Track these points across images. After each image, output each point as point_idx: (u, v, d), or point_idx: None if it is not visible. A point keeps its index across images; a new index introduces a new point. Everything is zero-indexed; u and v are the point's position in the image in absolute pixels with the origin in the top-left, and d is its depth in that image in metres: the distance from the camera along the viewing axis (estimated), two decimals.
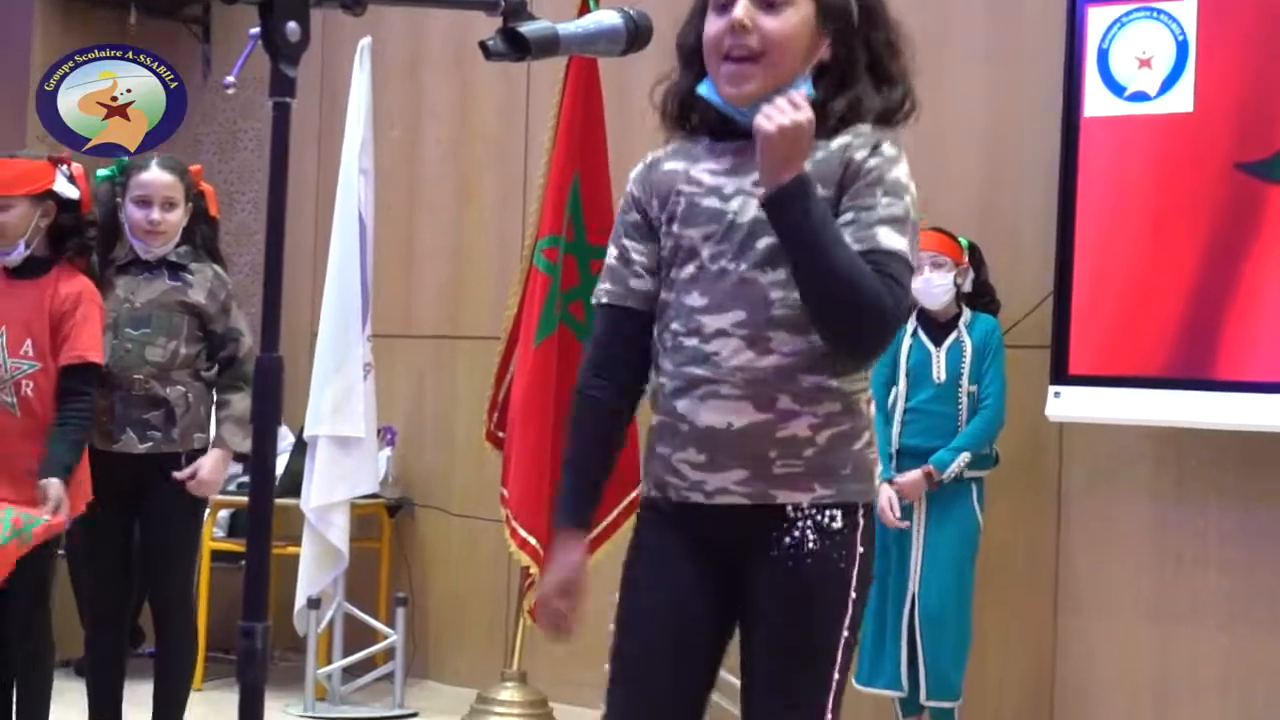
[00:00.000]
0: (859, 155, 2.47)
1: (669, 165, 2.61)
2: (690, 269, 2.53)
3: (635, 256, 2.61)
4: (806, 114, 2.37)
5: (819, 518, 2.48)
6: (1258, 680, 5.08)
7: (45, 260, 4.48)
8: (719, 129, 2.57)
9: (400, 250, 6.78)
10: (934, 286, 5.13)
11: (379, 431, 6.28)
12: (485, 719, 5.80)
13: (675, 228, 2.56)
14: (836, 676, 2.49)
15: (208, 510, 6.17)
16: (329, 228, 6.08)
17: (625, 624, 2.61)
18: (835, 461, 2.49)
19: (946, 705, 5.09)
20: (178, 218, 4.70)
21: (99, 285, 4.65)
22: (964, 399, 5.12)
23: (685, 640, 2.56)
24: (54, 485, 4.28)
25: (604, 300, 2.63)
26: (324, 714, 5.99)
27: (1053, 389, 5.15)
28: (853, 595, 2.50)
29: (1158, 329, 5.02)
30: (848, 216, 2.45)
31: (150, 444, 4.62)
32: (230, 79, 3.22)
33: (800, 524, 2.47)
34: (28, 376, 4.41)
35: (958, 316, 5.20)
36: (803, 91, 2.44)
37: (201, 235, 4.81)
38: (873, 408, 2.58)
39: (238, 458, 4.88)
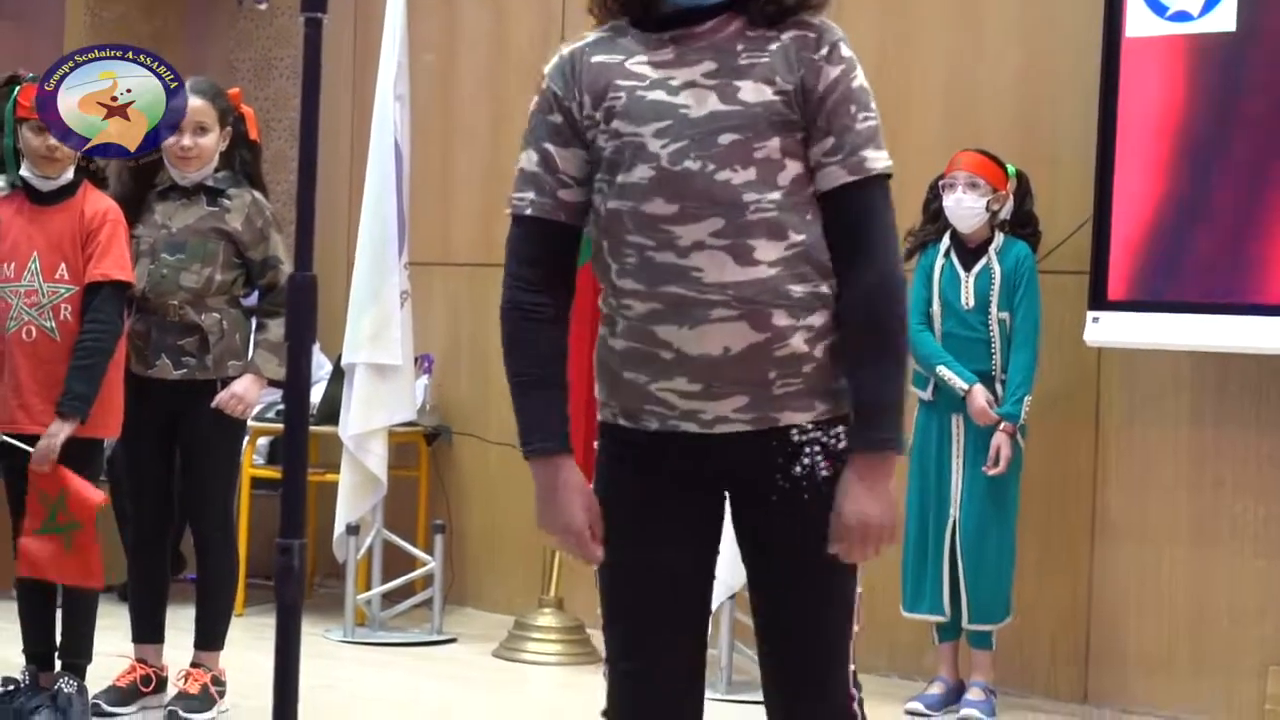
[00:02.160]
0: (817, 58, 2.37)
1: (597, 58, 2.41)
2: (645, 170, 2.34)
3: (560, 164, 2.42)
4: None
5: (825, 440, 2.39)
6: None
7: (71, 184, 4.50)
8: (646, 18, 2.41)
9: (436, 177, 6.76)
10: (963, 206, 5.09)
11: (416, 359, 6.29)
12: (523, 644, 5.84)
13: (617, 124, 2.37)
14: (858, 588, 2.46)
15: (247, 437, 6.21)
16: (365, 155, 6.06)
17: (617, 586, 2.47)
18: (832, 374, 2.38)
19: (987, 628, 5.10)
20: (211, 142, 4.68)
21: (139, 210, 4.67)
22: (994, 326, 5.09)
23: (681, 600, 2.47)
24: (48, 438, 4.33)
25: (529, 212, 2.43)
26: (363, 639, 6.03)
27: (1091, 314, 5.11)
28: None
29: (1197, 253, 4.98)
30: (830, 143, 2.36)
31: (184, 370, 4.64)
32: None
33: (809, 449, 2.38)
34: (65, 300, 4.43)
35: (989, 241, 5.16)
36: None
37: (241, 160, 4.80)
38: None
39: (273, 384, 4.89)
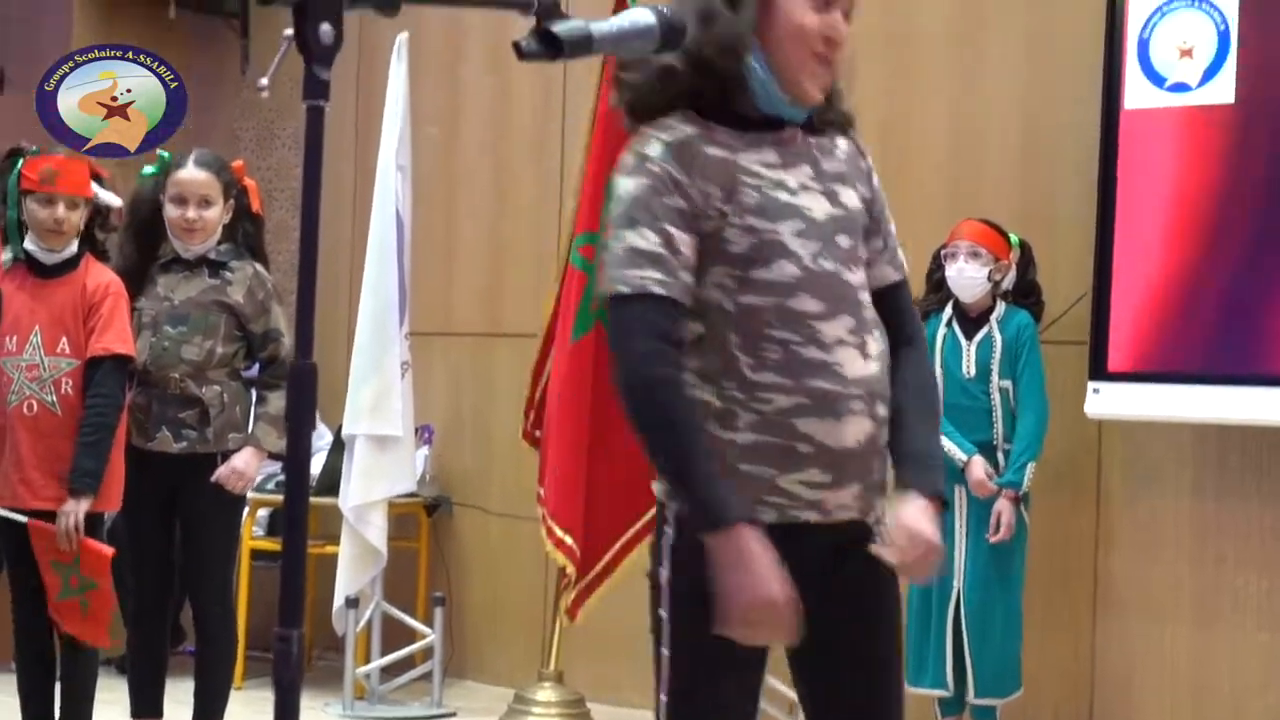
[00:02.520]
0: (865, 167, 2.60)
1: (712, 150, 2.43)
2: (791, 268, 2.41)
3: (682, 248, 2.39)
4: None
5: (879, 526, 2.50)
6: None
7: (74, 257, 4.51)
8: (726, 115, 2.46)
9: (438, 248, 6.77)
10: (965, 276, 5.10)
11: (417, 430, 6.29)
12: (523, 718, 5.80)
13: (751, 220, 2.41)
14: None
15: (246, 510, 6.18)
16: (367, 224, 6.08)
17: (709, 669, 2.42)
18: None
19: (994, 703, 5.06)
20: (215, 215, 4.69)
21: (141, 283, 4.69)
22: (995, 395, 5.08)
23: (752, 677, 2.50)
24: (65, 516, 4.33)
25: (659, 290, 2.37)
26: (362, 713, 5.99)
27: (1091, 385, 5.11)
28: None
29: (1199, 324, 4.98)
30: (879, 244, 2.58)
31: (185, 444, 4.63)
32: (264, 82, 3.20)
33: (875, 532, 2.49)
34: (66, 374, 4.44)
35: (991, 310, 5.16)
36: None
37: (244, 232, 4.81)
38: None
39: (274, 456, 4.88)
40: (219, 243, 4.74)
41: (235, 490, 4.66)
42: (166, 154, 4.80)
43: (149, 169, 4.78)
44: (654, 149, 2.42)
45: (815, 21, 2.46)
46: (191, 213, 4.65)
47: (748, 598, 2.31)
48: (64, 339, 4.45)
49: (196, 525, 4.68)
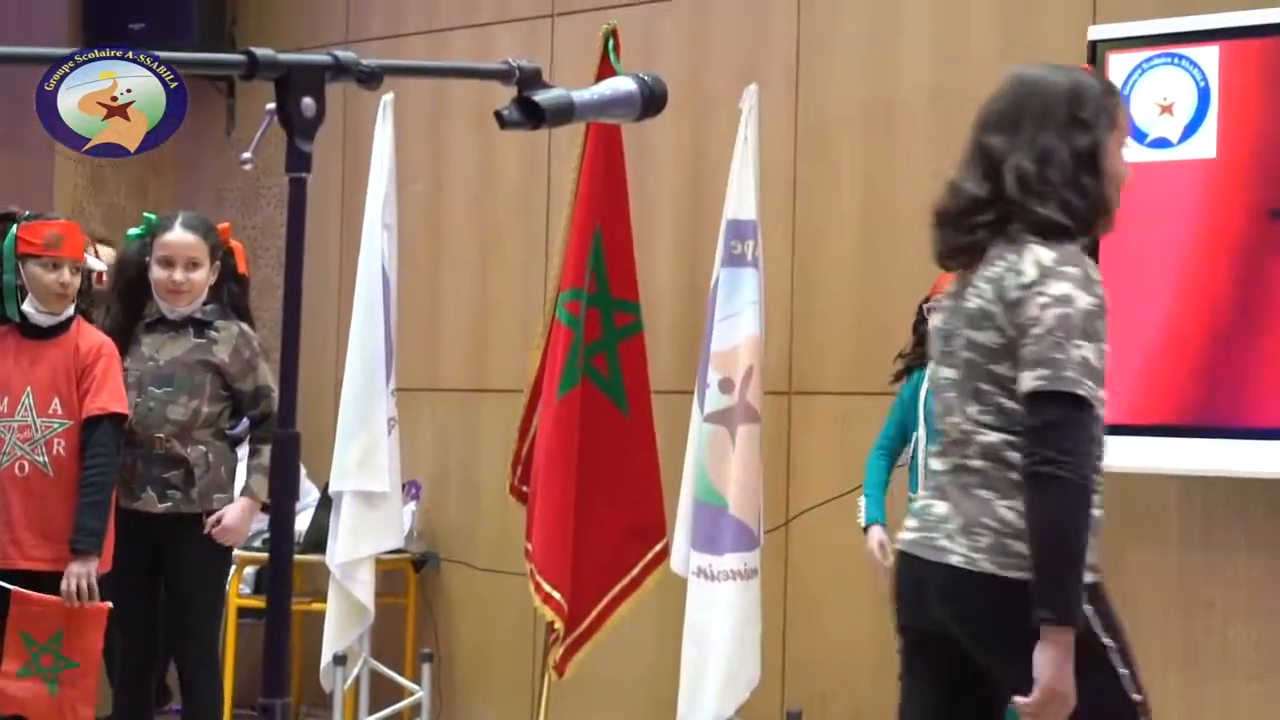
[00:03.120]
0: None
1: None
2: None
3: None
4: None
5: None
6: None
7: (67, 320, 4.53)
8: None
9: (424, 304, 6.79)
10: None
11: (404, 486, 6.28)
12: None
13: None
14: None
15: (233, 569, 6.17)
16: (353, 282, 6.09)
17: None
18: None
19: None
20: (202, 277, 4.71)
21: (127, 343, 4.69)
22: None
23: None
24: (72, 579, 4.31)
25: (1099, 410, 2.92)
26: None
27: None
28: None
29: (1182, 378, 4.99)
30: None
31: (169, 504, 4.63)
32: (247, 155, 3.19)
33: None
34: (58, 435, 4.45)
35: None
36: None
37: (229, 293, 4.82)
38: None
39: (266, 509, 4.89)
40: (205, 303, 4.75)
41: (228, 544, 4.65)
42: (153, 216, 4.81)
43: (134, 231, 4.80)
44: (1097, 274, 2.89)
45: (1125, 164, 2.98)
46: (179, 275, 4.66)
47: (1066, 688, 2.81)
48: (56, 400, 4.46)
49: (182, 584, 4.68)
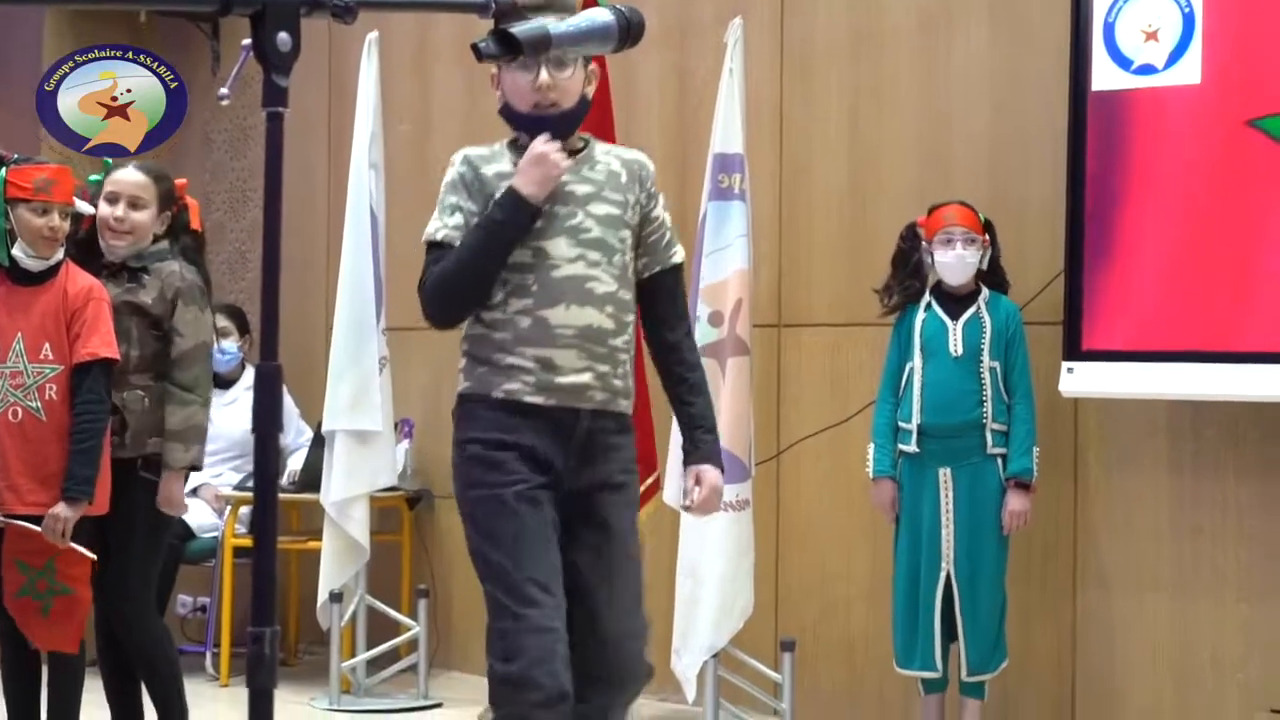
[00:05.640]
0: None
1: None
2: None
3: None
4: None
5: None
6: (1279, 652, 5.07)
7: (54, 265, 4.52)
8: None
9: (413, 243, 6.75)
10: (965, 262, 5.11)
11: (396, 424, 6.31)
12: None
13: None
14: None
15: (228, 510, 6.22)
16: (342, 222, 6.09)
17: None
18: None
19: (984, 678, 5.09)
20: (144, 219, 4.59)
21: None
22: (986, 375, 5.09)
23: None
24: (55, 520, 4.34)
25: None
26: (349, 707, 6.02)
27: (1066, 364, 5.14)
28: None
29: (1170, 302, 5.01)
30: None
31: None
32: (224, 91, 3.22)
33: None
34: (50, 380, 4.44)
35: (975, 293, 5.17)
36: None
37: (184, 246, 4.69)
38: None
39: (194, 468, 4.72)
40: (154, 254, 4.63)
41: (176, 515, 4.63)
42: (110, 160, 4.76)
43: (95, 176, 4.72)
44: None
45: None
46: (120, 210, 4.54)
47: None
48: (47, 345, 4.45)
49: (115, 532, 4.55)
